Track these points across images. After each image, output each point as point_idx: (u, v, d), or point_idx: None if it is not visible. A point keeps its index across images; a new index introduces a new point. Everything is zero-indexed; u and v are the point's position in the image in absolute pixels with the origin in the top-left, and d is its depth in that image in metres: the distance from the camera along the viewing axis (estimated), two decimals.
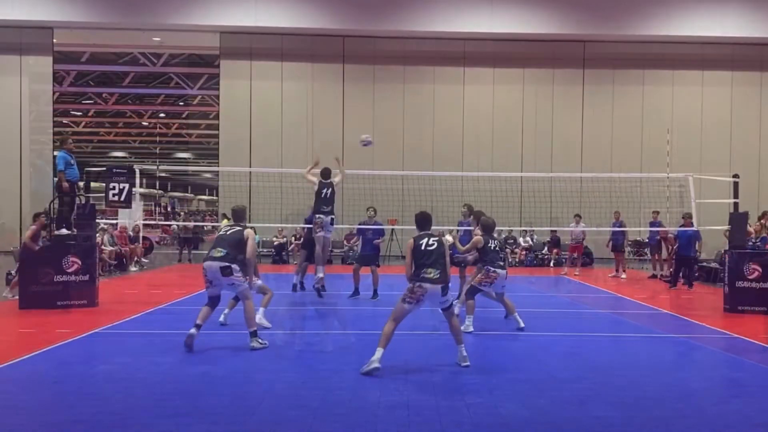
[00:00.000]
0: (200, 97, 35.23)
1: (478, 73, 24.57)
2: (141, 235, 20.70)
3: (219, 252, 7.89)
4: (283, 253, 22.40)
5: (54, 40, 23.94)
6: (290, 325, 9.82)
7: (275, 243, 22.42)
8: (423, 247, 7.08)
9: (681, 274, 15.64)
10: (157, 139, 47.38)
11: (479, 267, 9.86)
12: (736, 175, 13.47)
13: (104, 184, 12.30)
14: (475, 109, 24.55)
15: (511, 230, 22.56)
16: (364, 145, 12.44)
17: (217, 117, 29.72)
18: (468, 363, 7.08)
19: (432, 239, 7.16)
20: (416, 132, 24.41)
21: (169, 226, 32.81)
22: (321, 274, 11.60)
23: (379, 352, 6.77)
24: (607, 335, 9.53)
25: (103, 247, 16.76)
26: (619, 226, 18.00)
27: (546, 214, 22.10)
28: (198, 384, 6.38)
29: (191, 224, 26.98)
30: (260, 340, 7.96)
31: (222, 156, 24.78)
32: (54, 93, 26.25)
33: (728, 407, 5.86)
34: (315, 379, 6.60)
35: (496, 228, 10.11)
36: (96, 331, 9.04)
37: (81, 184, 12.54)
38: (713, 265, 17.14)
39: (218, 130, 25.93)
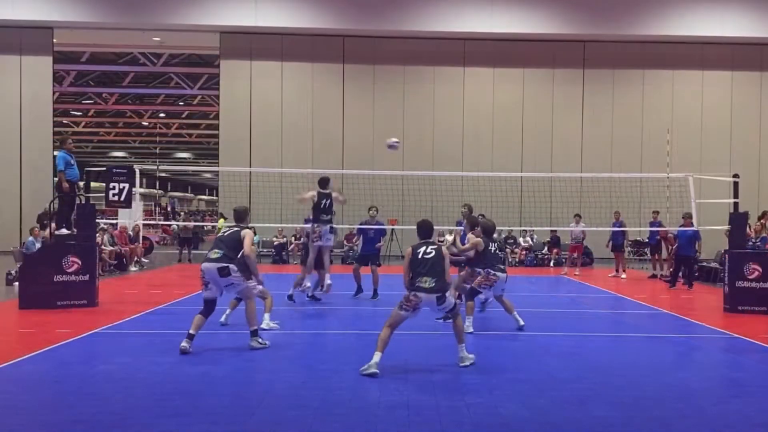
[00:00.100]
0: (200, 97, 35.23)
1: (478, 73, 24.58)
2: (141, 235, 20.70)
3: (216, 253, 7.88)
4: (283, 253, 22.40)
5: (54, 40, 23.94)
6: (290, 325, 9.81)
7: (275, 243, 22.43)
8: (420, 256, 7.06)
9: (681, 274, 15.65)
10: (157, 139, 47.40)
11: (470, 270, 9.83)
12: (736, 175, 13.46)
13: (104, 184, 12.30)
14: (475, 109, 24.55)
15: (511, 230, 22.56)
16: (390, 147, 11.85)
17: (217, 117, 29.74)
18: (467, 363, 7.08)
19: (430, 248, 7.13)
20: (416, 132, 24.41)
21: (169, 226, 32.83)
22: (308, 283, 11.38)
23: (377, 356, 6.76)
24: (607, 335, 9.53)
25: (103, 247, 16.76)
26: (619, 226, 18.00)
27: (546, 214, 22.11)
28: (198, 384, 6.38)
29: (191, 224, 26.97)
30: (260, 340, 7.96)
31: (222, 156, 24.78)
32: (54, 93, 26.26)
33: (728, 407, 5.86)
34: (315, 379, 6.60)
35: (496, 228, 10.10)
36: (96, 331, 9.04)
37: (81, 184, 12.54)
38: (713, 265, 17.14)
39: (218, 130, 25.95)
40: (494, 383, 6.49)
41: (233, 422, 5.23)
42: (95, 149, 54.09)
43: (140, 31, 24.20)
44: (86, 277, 11.11)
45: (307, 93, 24.47)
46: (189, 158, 58.95)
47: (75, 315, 10.29)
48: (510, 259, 21.79)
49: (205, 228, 31.79)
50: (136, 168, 13.58)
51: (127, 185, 12.24)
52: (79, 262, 11.04)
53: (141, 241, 20.59)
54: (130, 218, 19.88)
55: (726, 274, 11.70)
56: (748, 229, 13.54)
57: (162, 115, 41.58)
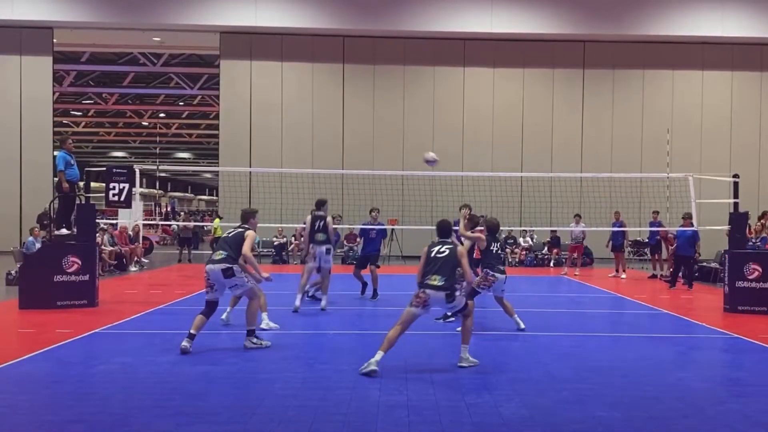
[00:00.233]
0: (200, 97, 35.23)
1: (478, 73, 24.58)
2: (141, 235, 20.70)
3: (220, 255, 7.88)
4: (283, 253, 22.41)
5: (54, 40, 23.95)
6: (290, 325, 9.81)
7: (275, 243, 22.43)
8: (433, 254, 7.16)
9: (681, 274, 15.65)
10: (157, 139, 47.41)
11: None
12: (736, 175, 13.47)
13: (104, 184, 12.30)
14: (475, 109, 24.55)
15: (511, 230, 22.56)
16: (428, 162, 11.52)
17: (217, 117, 29.76)
18: (465, 365, 7.09)
19: (444, 247, 7.21)
20: (416, 132, 24.41)
21: (169, 226, 32.85)
22: (297, 302, 11.20)
23: (378, 355, 6.77)
24: (607, 335, 9.53)
25: (103, 247, 16.76)
26: (619, 226, 18.00)
27: (546, 214, 22.12)
28: (198, 384, 6.38)
29: (191, 224, 26.96)
30: (254, 340, 7.95)
31: (222, 156, 24.79)
32: (54, 93, 26.26)
33: (728, 407, 5.86)
34: (315, 379, 6.60)
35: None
36: (96, 331, 9.04)
37: (81, 184, 12.54)
38: (713, 265, 17.14)
39: (218, 130, 25.95)
40: (494, 383, 6.49)
41: (233, 422, 5.23)
42: (95, 149, 54.09)
43: (140, 31, 24.21)
44: (86, 277, 11.11)
45: (307, 93, 24.47)
46: (189, 158, 58.96)
47: (75, 315, 10.29)
48: (510, 259, 21.80)
49: (205, 228, 31.78)
50: (136, 168, 13.58)
51: (127, 185, 12.25)
52: (79, 262, 11.04)
53: (141, 241, 20.59)
54: (130, 218, 19.88)
55: (726, 274, 11.70)
56: (748, 229, 13.54)
57: (162, 115, 41.58)
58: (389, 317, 10.89)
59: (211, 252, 10.32)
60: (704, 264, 17.54)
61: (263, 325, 9.10)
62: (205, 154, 56.54)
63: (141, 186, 22.32)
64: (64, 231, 11.72)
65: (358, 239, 13.47)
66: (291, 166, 22.28)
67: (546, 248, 22.41)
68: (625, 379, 6.74)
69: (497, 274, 9.17)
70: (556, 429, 5.22)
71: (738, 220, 12.25)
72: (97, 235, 13.54)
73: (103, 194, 12.37)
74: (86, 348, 8.07)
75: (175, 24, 23.22)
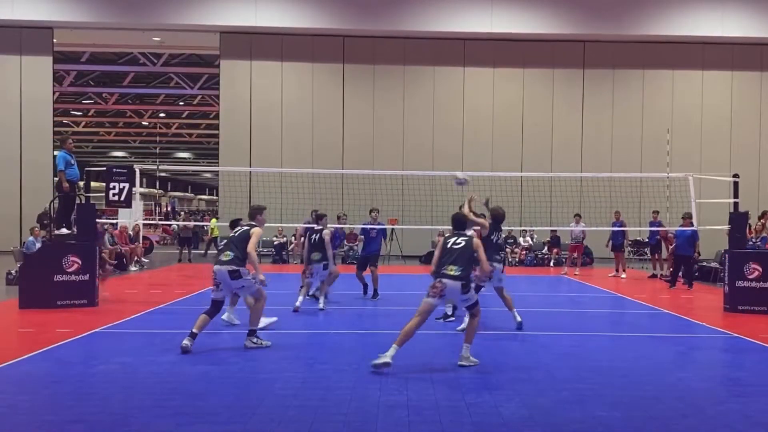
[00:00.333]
0: (200, 97, 35.24)
1: (478, 73, 24.57)
2: (141, 234, 20.70)
3: (227, 256, 7.87)
4: (284, 253, 22.41)
5: (54, 40, 23.95)
6: (290, 325, 9.81)
7: (275, 243, 22.44)
8: (449, 245, 7.29)
9: (681, 274, 15.65)
10: (157, 139, 47.41)
11: None
12: (736, 175, 13.46)
13: (104, 184, 12.30)
14: (475, 109, 24.55)
15: (511, 230, 22.56)
16: (459, 183, 11.34)
17: (217, 117, 29.75)
18: (465, 364, 7.09)
19: (461, 238, 7.34)
20: (416, 132, 24.42)
21: (169, 225, 32.85)
22: (298, 303, 11.19)
23: (393, 349, 6.86)
24: (607, 335, 9.53)
25: (103, 246, 16.75)
26: (619, 226, 18.00)
27: (546, 214, 22.11)
28: (198, 384, 6.38)
29: (191, 224, 26.96)
30: (255, 340, 7.95)
31: (222, 156, 24.78)
32: (54, 93, 26.26)
33: (728, 407, 5.86)
34: (315, 379, 6.60)
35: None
36: (96, 330, 9.04)
37: (81, 183, 12.54)
38: (713, 265, 17.14)
39: (218, 130, 25.95)
40: (494, 383, 6.50)
41: (233, 422, 5.23)
42: (95, 149, 54.10)
43: (140, 31, 24.21)
44: (86, 277, 11.11)
45: (307, 93, 24.47)
46: (189, 158, 58.96)
47: (75, 315, 10.29)
48: (510, 259, 21.80)
49: (205, 228, 31.80)
50: (136, 168, 13.57)
51: (127, 185, 12.25)
52: (79, 262, 11.04)
53: (141, 241, 20.59)
54: (130, 218, 19.88)
55: (726, 274, 11.70)
56: (748, 229, 13.54)
57: (162, 115, 41.58)
58: (389, 317, 10.92)
59: (213, 252, 10.33)
60: (704, 264, 17.54)
61: (260, 324, 9.12)
62: (205, 154, 56.55)
63: (141, 186, 22.33)
64: (64, 231, 11.72)
65: (359, 237, 13.47)
66: (291, 166, 22.28)
67: (546, 248, 22.41)
68: (625, 379, 6.74)
69: (494, 264, 9.15)
70: (556, 429, 5.22)
71: (738, 220, 12.25)
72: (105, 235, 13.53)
73: (103, 194, 12.37)
74: (86, 348, 8.07)
75: (175, 24, 23.22)
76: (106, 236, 18.13)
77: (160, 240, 33.88)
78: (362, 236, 13.52)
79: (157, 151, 49.40)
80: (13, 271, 14.16)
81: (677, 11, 23.25)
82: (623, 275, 17.84)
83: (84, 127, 44.09)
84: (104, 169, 12.82)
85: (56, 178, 12.66)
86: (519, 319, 9.45)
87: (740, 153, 24.13)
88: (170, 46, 26.83)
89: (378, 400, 5.86)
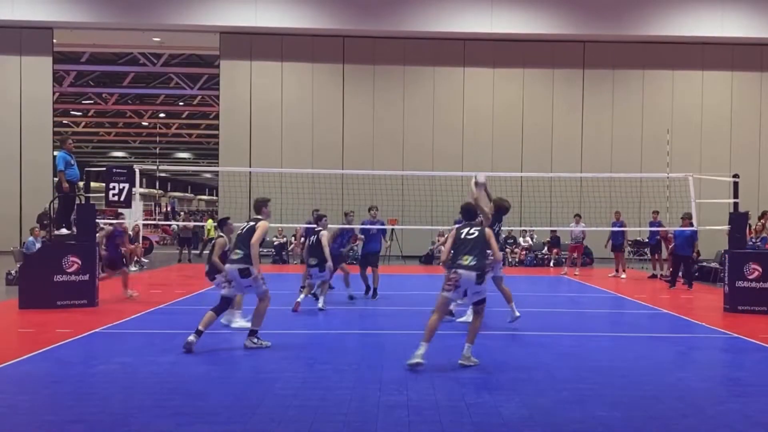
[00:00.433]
0: (200, 97, 35.24)
1: (478, 73, 24.57)
2: (141, 235, 20.71)
3: (237, 254, 7.87)
4: (283, 253, 22.41)
5: (54, 40, 23.95)
6: (291, 324, 9.81)
7: (275, 243, 22.44)
8: (463, 236, 7.37)
9: (681, 274, 15.66)
10: (157, 139, 47.41)
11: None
12: (736, 175, 13.45)
13: (104, 184, 12.29)
14: (475, 109, 24.55)
15: (511, 230, 22.56)
16: (477, 185, 11.07)
17: (217, 117, 29.75)
18: (466, 363, 7.10)
19: (473, 229, 7.43)
20: (416, 132, 24.43)
21: (169, 226, 32.83)
22: (299, 299, 11.24)
23: (422, 347, 6.95)
24: (607, 335, 9.52)
25: (103, 246, 16.73)
26: (620, 226, 18.00)
27: (546, 214, 22.10)
28: (198, 384, 6.38)
29: (191, 224, 26.96)
30: (255, 340, 7.93)
31: (222, 156, 24.79)
32: (54, 93, 26.26)
33: (728, 407, 5.86)
34: (315, 379, 6.60)
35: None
36: (96, 331, 9.04)
37: (81, 184, 12.54)
38: (713, 265, 17.14)
39: (218, 130, 25.95)
40: (494, 383, 6.49)
41: (233, 422, 5.23)
42: (95, 149, 54.09)
43: (140, 31, 24.21)
44: (86, 277, 11.11)
45: (307, 93, 24.47)
46: (189, 158, 58.96)
47: (75, 315, 10.29)
48: (510, 259, 21.81)
49: (205, 228, 31.77)
50: (136, 168, 13.57)
51: (127, 185, 12.25)
52: (79, 262, 11.03)
53: (141, 241, 20.59)
54: (130, 218, 19.87)
55: (726, 274, 11.70)
56: (748, 229, 13.55)
57: (162, 115, 41.58)
58: (389, 317, 10.93)
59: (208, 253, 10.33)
60: (704, 264, 17.54)
61: (234, 325, 9.14)
62: (205, 154, 56.54)
63: (141, 186, 22.35)
64: (64, 231, 11.71)
65: (359, 237, 13.46)
66: (291, 166, 22.28)
67: (546, 248, 22.41)
68: (625, 379, 6.73)
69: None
70: (556, 429, 5.22)
71: (738, 220, 12.24)
72: (97, 235, 13.52)
73: (103, 194, 12.37)
74: (86, 348, 8.07)
75: (175, 24, 23.23)
76: (126, 235, 18.11)
77: (160, 240, 33.86)
78: (362, 235, 13.51)
79: (157, 151, 49.40)
80: (13, 272, 14.16)
81: (677, 11, 23.25)
82: (623, 275, 17.84)
83: (84, 127, 44.09)
84: (104, 169, 12.82)
85: (56, 179, 12.66)
86: (517, 314, 9.46)
87: (740, 153, 24.13)
88: (170, 46, 26.83)
89: (378, 400, 5.86)
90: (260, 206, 8.29)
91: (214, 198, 67.08)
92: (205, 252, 12.74)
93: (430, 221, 20.45)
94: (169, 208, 50.01)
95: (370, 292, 12.82)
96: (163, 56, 28.89)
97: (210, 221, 19.99)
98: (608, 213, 18.74)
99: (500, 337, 9.01)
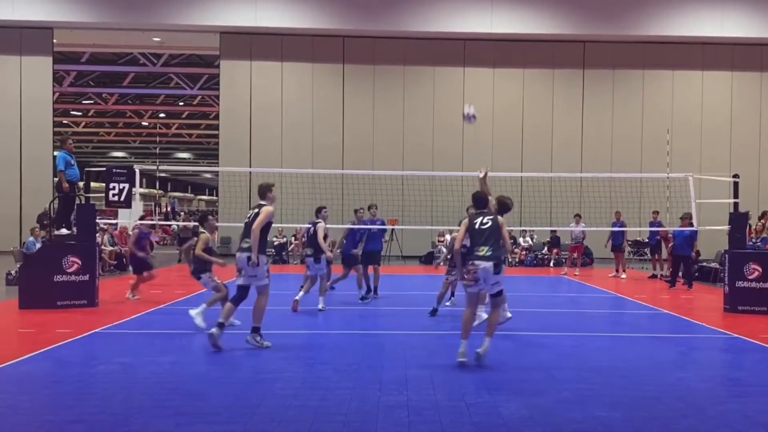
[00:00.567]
0: (200, 97, 35.24)
1: (478, 73, 24.57)
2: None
3: (246, 242, 7.86)
4: (283, 253, 22.40)
5: (54, 40, 23.95)
6: (291, 324, 9.81)
7: (275, 243, 22.43)
8: (477, 226, 7.37)
9: (681, 274, 15.66)
10: (157, 139, 47.41)
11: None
12: (736, 175, 13.44)
13: (104, 184, 12.29)
14: (475, 109, 24.48)
15: (511, 230, 22.54)
16: (467, 117, 10.79)
17: (217, 117, 29.75)
18: (480, 351, 7.11)
19: (486, 218, 7.41)
20: (416, 132, 24.42)
21: (169, 226, 32.82)
22: (297, 297, 11.30)
23: (463, 345, 7.13)
24: (607, 335, 9.53)
25: (103, 247, 16.76)
26: (620, 226, 18.00)
27: (546, 214, 22.10)
28: (198, 384, 6.38)
29: (191, 224, 26.93)
30: (258, 339, 7.92)
31: (222, 156, 24.79)
32: (54, 93, 26.26)
33: (728, 407, 5.86)
34: (315, 379, 6.60)
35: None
36: (96, 331, 9.04)
37: (81, 184, 12.54)
38: (713, 265, 17.14)
39: (218, 130, 25.95)
40: (494, 383, 6.49)
41: (233, 422, 5.23)
42: (95, 149, 54.10)
43: (140, 31, 24.21)
44: (86, 277, 11.10)
45: (307, 93, 24.47)
46: (189, 158, 58.96)
47: (75, 315, 10.29)
48: (510, 259, 21.80)
49: None
50: (136, 168, 13.57)
51: (127, 185, 12.24)
52: (79, 263, 11.03)
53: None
54: (130, 218, 19.86)
55: (726, 274, 11.70)
56: (748, 229, 13.54)
57: (162, 115, 41.58)
58: (389, 317, 10.94)
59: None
60: (704, 264, 17.54)
61: (197, 321, 9.07)
62: (205, 154, 56.54)
63: (141, 186, 22.35)
64: (64, 231, 11.72)
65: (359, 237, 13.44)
66: (291, 166, 22.26)
67: (546, 248, 22.42)
68: (625, 379, 6.73)
69: None
70: (556, 429, 5.22)
71: (738, 220, 12.24)
72: (97, 235, 13.53)
73: (103, 194, 12.37)
74: (86, 348, 8.07)
75: (175, 24, 23.23)
76: (106, 236, 18.14)
77: (160, 240, 33.83)
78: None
79: (157, 151, 49.40)
80: (13, 272, 14.16)
81: (677, 11, 23.25)
82: (623, 275, 17.84)
83: (84, 127, 44.10)
84: (104, 169, 12.82)
85: (56, 179, 12.66)
86: (509, 315, 9.43)
87: (740, 153, 24.13)
88: (170, 46, 26.83)
89: (378, 400, 5.85)
90: (265, 191, 8.15)
91: (214, 198, 67.04)
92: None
93: (430, 221, 20.44)
94: (169, 209, 50.00)
95: (371, 292, 12.81)
96: (163, 56, 28.89)
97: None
98: (608, 213, 18.73)
99: (500, 337, 8.99)
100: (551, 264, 21.70)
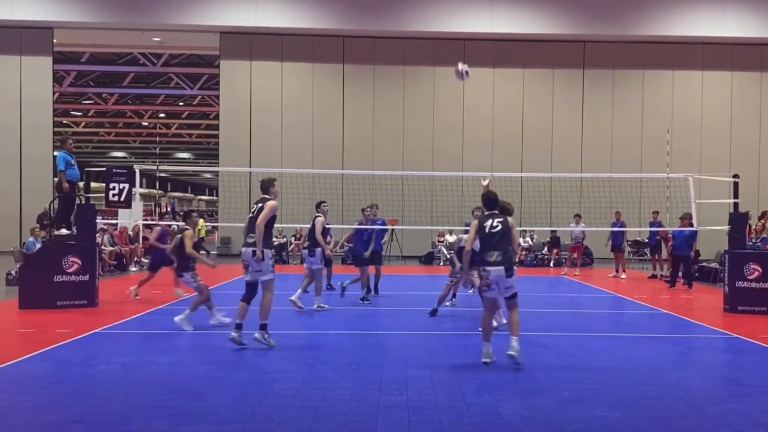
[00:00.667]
0: (200, 97, 35.24)
1: (478, 73, 24.49)
2: (141, 235, 20.69)
3: (251, 237, 7.86)
4: (283, 253, 22.40)
5: (54, 40, 23.95)
6: (291, 324, 9.81)
7: (275, 243, 22.38)
8: (487, 230, 7.27)
9: (681, 274, 15.66)
10: (157, 139, 47.42)
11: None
12: (736, 175, 13.45)
13: (104, 184, 12.30)
14: (475, 109, 24.55)
15: None
16: (459, 76, 10.59)
17: (217, 117, 29.75)
18: (513, 353, 7.07)
19: (496, 221, 7.32)
20: (416, 132, 24.42)
21: (169, 225, 32.78)
22: (293, 297, 11.36)
23: (485, 346, 7.22)
24: (607, 335, 9.53)
25: (103, 247, 16.77)
26: (620, 226, 18.00)
27: (546, 214, 22.10)
28: (198, 384, 6.38)
29: (167, 223, 26.94)
30: (266, 336, 7.89)
31: (222, 156, 24.79)
32: (54, 93, 26.26)
33: (728, 407, 5.86)
34: (315, 379, 6.60)
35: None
36: (96, 331, 9.04)
37: (81, 184, 12.54)
38: (713, 265, 17.14)
39: (218, 130, 25.95)
40: (494, 383, 6.49)
41: (233, 422, 5.23)
42: (95, 149, 54.11)
43: (140, 31, 24.21)
44: (86, 277, 11.10)
45: (307, 93, 24.47)
46: (189, 158, 58.97)
47: (75, 315, 10.29)
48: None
49: (205, 228, 31.74)
50: (136, 168, 13.57)
51: (127, 185, 12.26)
52: (79, 263, 11.03)
53: (141, 242, 20.58)
54: (130, 218, 19.87)
55: (726, 274, 11.69)
56: (748, 229, 13.54)
57: (162, 115, 41.59)
58: (389, 317, 10.93)
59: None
60: (704, 264, 17.54)
61: (176, 318, 9.07)
62: (205, 154, 56.56)
63: (141, 186, 22.33)
64: (64, 231, 11.72)
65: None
66: (291, 166, 22.26)
67: (546, 248, 22.41)
68: (625, 380, 6.73)
69: None
70: (556, 429, 5.22)
71: (738, 220, 12.24)
72: (97, 235, 13.53)
73: (103, 194, 12.37)
74: (86, 348, 8.07)
75: (175, 24, 23.22)
76: (106, 236, 18.12)
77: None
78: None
79: (157, 151, 49.40)
80: (13, 272, 14.16)
81: (677, 11, 23.25)
82: (623, 276, 17.83)
83: (84, 127, 44.10)
84: (104, 169, 12.82)
85: (56, 179, 12.66)
86: (504, 321, 9.38)
87: (740, 153, 24.13)
88: (170, 46, 26.83)
89: (378, 400, 5.85)
90: (268, 186, 8.18)
91: (214, 198, 67.09)
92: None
93: (430, 221, 20.45)
94: (169, 209, 50.01)
95: (370, 294, 12.79)
96: (163, 56, 28.89)
97: (201, 220, 20.00)
98: (608, 213, 18.73)
99: (500, 337, 8.99)
100: (551, 264, 21.70)
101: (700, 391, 6.44)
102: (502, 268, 7.11)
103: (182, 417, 5.32)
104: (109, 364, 7.18)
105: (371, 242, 12.65)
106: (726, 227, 12.47)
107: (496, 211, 7.47)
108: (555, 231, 21.51)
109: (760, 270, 11.37)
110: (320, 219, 11.48)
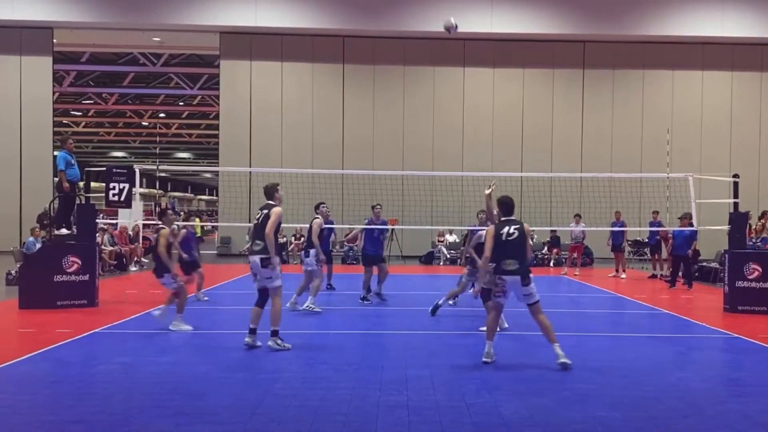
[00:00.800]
0: (200, 97, 35.23)
1: (478, 73, 24.56)
2: (141, 235, 20.71)
3: (258, 245, 7.83)
4: (283, 253, 22.38)
5: (54, 40, 23.95)
6: (291, 324, 9.81)
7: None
8: (503, 238, 7.26)
9: (681, 274, 15.66)
10: (157, 139, 47.41)
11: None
12: (736, 175, 13.45)
13: (104, 184, 12.29)
14: (475, 109, 24.55)
15: None
16: (448, 28, 10.50)
17: (217, 117, 29.75)
18: (565, 361, 7.00)
19: (513, 228, 7.35)
20: (416, 132, 24.42)
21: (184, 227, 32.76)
22: (293, 299, 11.37)
23: (487, 345, 7.21)
24: (607, 335, 9.53)
25: (103, 246, 16.77)
26: (620, 226, 18.00)
27: (546, 214, 22.10)
28: (198, 384, 6.38)
29: (191, 224, 26.93)
30: (279, 342, 7.87)
31: (222, 156, 24.79)
32: (54, 93, 26.25)
33: (728, 407, 5.86)
34: (315, 379, 6.59)
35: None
36: (96, 331, 9.04)
37: (81, 184, 12.54)
38: (713, 265, 17.14)
39: (218, 130, 25.95)
40: (494, 383, 6.49)
41: (233, 422, 5.23)
42: (95, 149, 54.10)
43: (140, 31, 24.20)
44: (86, 277, 11.10)
45: (307, 93, 24.47)
46: (189, 158, 58.97)
47: (75, 315, 10.29)
48: None
49: (205, 228, 31.80)
50: (136, 168, 13.57)
51: (127, 185, 12.25)
52: (79, 262, 11.03)
53: (141, 241, 20.60)
54: (130, 218, 19.87)
55: (726, 274, 11.69)
56: (748, 229, 13.54)
57: (162, 115, 41.58)
58: (389, 317, 10.93)
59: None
60: (704, 264, 17.53)
61: (172, 326, 9.02)
62: (205, 154, 56.56)
63: (141, 186, 22.35)
64: (64, 231, 11.72)
65: (358, 239, 13.45)
66: (291, 166, 22.26)
67: (546, 248, 22.41)
68: (625, 379, 6.73)
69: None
70: (556, 429, 5.22)
71: (738, 220, 12.24)
72: (97, 235, 13.52)
73: (103, 194, 12.37)
74: (86, 348, 8.07)
75: (175, 24, 23.22)
76: (106, 236, 18.12)
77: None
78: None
79: (157, 151, 49.39)
80: (13, 272, 14.16)
81: (677, 11, 23.25)
82: (623, 275, 17.83)
83: (84, 127, 44.09)
84: (104, 169, 12.82)
85: (56, 179, 12.65)
86: (505, 325, 9.36)
87: (740, 153, 24.13)
88: (170, 46, 26.82)
89: (378, 400, 5.85)
90: (272, 191, 8.12)
91: (214, 198, 67.10)
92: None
93: (430, 221, 20.45)
94: (169, 209, 49.96)
95: (369, 294, 12.76)
96: (163, 56, 28.89)
97: (198, 220, 20.01)
98: (608, 213, 18.73)
99: (500, 337, 8.99)
100: (551, 264, 21.69)
101: (700, 391, 6.44)
102: (518, 277, 7.12)
103: (182, 417, 5.32)
104: (109, 364, 7.18)
105: (385, 241, 12.66)
106: (726, 227, 12.47)
107: (513, 217, 7.39)
108: (555, 231, 21.50)
109: (760, 270, 11.37)
110: (317, 221, 11.47)
